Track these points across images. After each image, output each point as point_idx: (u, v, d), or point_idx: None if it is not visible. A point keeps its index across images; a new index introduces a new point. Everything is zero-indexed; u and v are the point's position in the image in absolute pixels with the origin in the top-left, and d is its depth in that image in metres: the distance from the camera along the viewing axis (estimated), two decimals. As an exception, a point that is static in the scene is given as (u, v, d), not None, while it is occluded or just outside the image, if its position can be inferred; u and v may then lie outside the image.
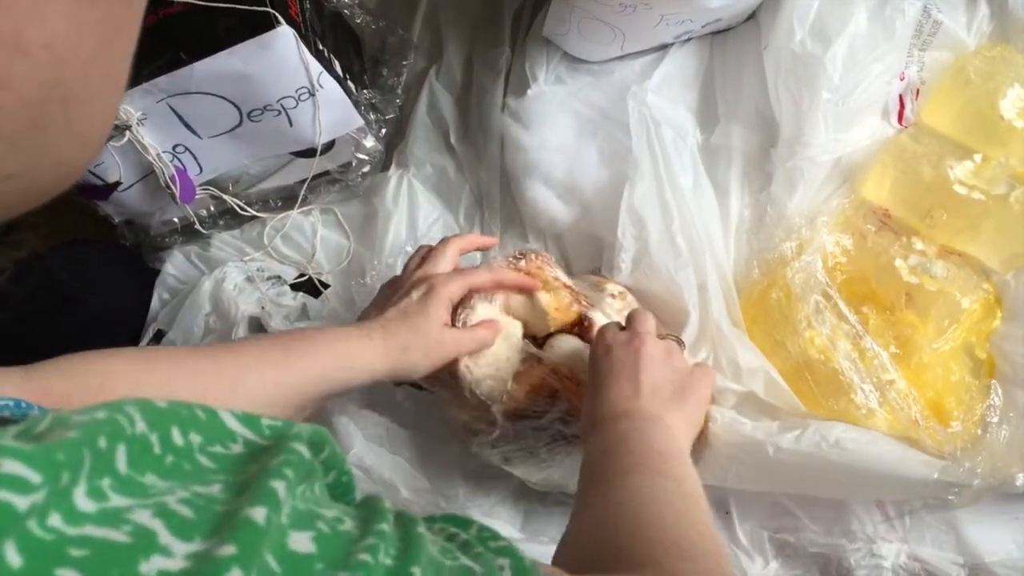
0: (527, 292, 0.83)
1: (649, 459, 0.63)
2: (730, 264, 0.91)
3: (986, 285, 0.85)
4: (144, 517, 0.28)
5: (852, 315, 0.84)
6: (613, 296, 0.86)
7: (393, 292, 0.80)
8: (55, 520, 0.26)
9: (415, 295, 0.77)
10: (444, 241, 0.84)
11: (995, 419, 0.81)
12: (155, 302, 1.02)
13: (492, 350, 0.81)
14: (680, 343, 0.81)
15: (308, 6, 0.90)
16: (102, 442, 0.29)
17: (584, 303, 0.84)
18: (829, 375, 0.82)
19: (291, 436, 0.36)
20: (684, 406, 0.71)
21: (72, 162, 0.30)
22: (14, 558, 0.24)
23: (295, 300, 1.00)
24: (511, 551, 0.39)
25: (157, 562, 0.26)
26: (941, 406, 0.82)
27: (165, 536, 0.27)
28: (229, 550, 0.27)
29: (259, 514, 0.30)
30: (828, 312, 0.84)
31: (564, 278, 0.86)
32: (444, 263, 0.81)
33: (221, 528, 0.29)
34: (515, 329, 0.84)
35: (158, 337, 0.97)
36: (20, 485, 0.25)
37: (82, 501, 0.27)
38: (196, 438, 0.34)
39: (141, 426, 0.31)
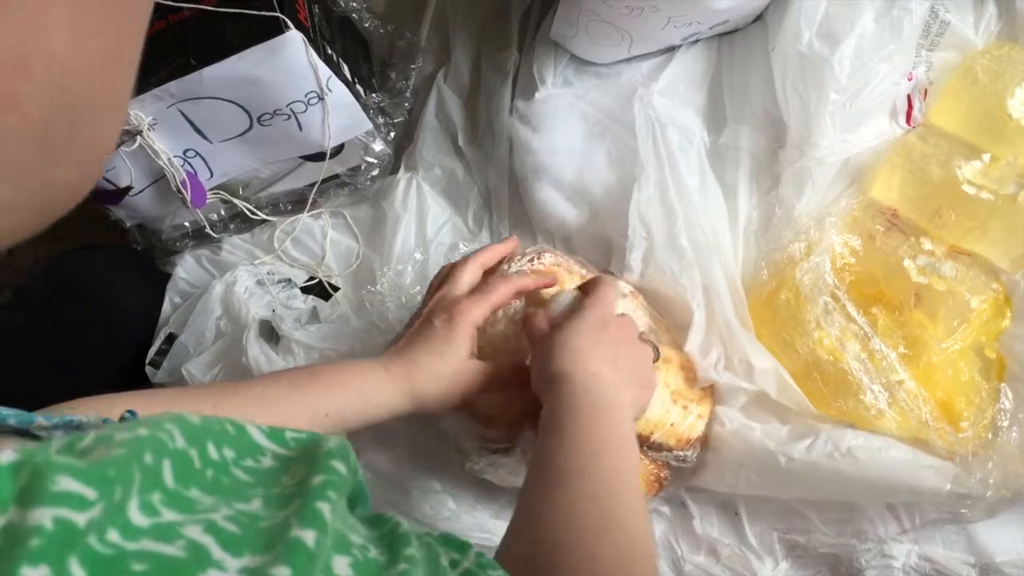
0: (547, 288, 0.83)
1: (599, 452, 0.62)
2: (738, 265, 0.91)
3: (995, 285, 0.85)
4: (195, 532, 0.29)
5: (861, 316, 0.84)
6: (624, 296, 0.86)
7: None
8: (113, 535, 0.26)
9: (437, 323, 0.74)
10: (464, 260, 0.81)
11: (1006, 423, 0.81)
12: (166, 305, 1.02)
13: None
14: (655, 350, 0.81)
15: (317, 11, 0.91)
16: (148, 458, 0.30)
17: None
18: (838, 376, 0.82)
19: (325, 452, 0.37)
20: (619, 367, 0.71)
21: (76, 182, 0.29)
22: (79, 573, 0.24)
23: (306, 303, 1.00)
24: None
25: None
26: (951, 406, 0.82)
27: (217, 551, 0.28)
28: (284, 572, 0.28)
29: (309, 537, 0.30)
30: (837, 313, 0.84)
31: (580, 269, 0.87)
32: (464, 282, 0.78)
33: (271, 545, 0.29)
34: None
35: (170, 340, 0.98)
36: (77, 502, 0.26)
37: (136, 516, 0.28)
38: (229, 453, 0.35)
39: (181, 442, 0.32)
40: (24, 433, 0.42)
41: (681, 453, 0.82)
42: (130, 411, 0.46)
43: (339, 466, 0.36)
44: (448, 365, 0.72)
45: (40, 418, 0.42)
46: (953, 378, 0.82)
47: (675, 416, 0.81)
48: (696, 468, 0.86)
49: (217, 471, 0.33)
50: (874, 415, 0.80)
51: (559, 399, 0.65)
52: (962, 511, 0.77)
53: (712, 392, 0.85)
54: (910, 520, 0.82)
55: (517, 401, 0.80)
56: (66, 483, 0.25)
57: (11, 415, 0.41)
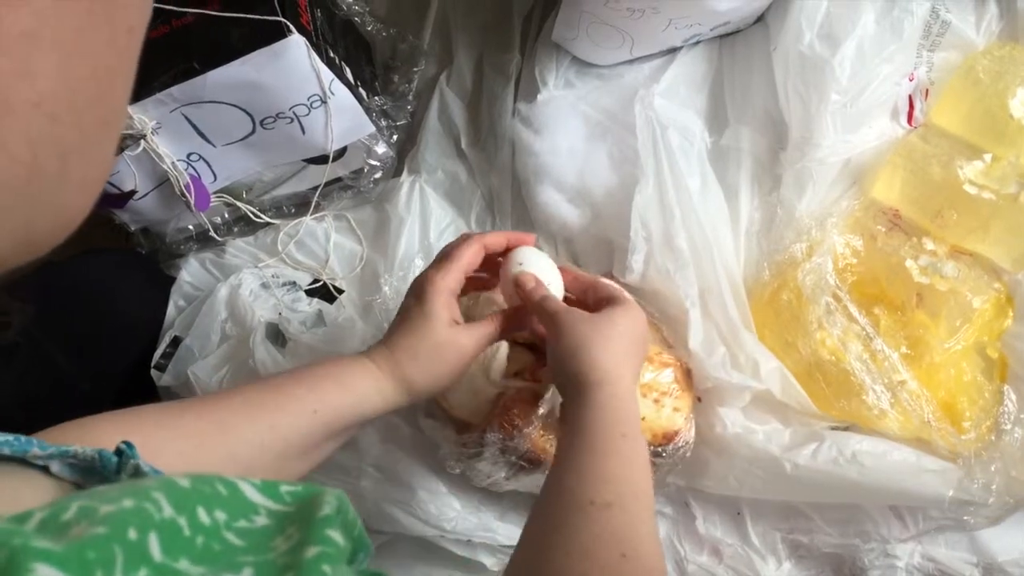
0: (521, 245, 0.78)
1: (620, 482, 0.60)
2: (740, 266, 0.91)
3: (997, 285, 0.85)
4: None
5: (863, 316, 0.84)
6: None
7: None
8: None
9: (411, 301, 0.72)
10: (459, 238, 0.77)
11: (1009, 425, 0.81)
12: (171, 309, 1.03)
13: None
14: None
15: (319, 14, 0.91)
16: (132, 533, 0.29)
17: None
18: (840, 376, 0.82)
19: (322, 519, 0.35)
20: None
21: (71, 210, 0.29)
22: None
23: (310, 306, 1.01)
24: None
25: None
26: (953, 406, 0.82)
27: None
28: None
29: None
30: (839, 313, 0.84)
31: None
32: (443, 256, 0.74)
33: None
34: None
35: (175, 343, 0.98)
36: None
37: None
38: (221, 515, 0.34)
39: (168, 510, 0.31)
40: (21, 460, 0.41)
41: (661, 448, 0.82)
42: (126, 443, 0.44)
43: (335, 535, 0.35)
44: (425, 339, 0.69)
45: (36, 447, 0.41)
46: (955, 378, 0.82)
47: (646, 410, 0.81)
48: (699, 470, 0.86)
49: (208, 537, 0.32)
50: (876, 415, 0.81)
51: (595, 410, 0.63)
52: (965, 518, 0.77)
53: (690, 385, 0.85)
54: (913, 521, 0.83)
55: (487, 406, 0.81)
56: (43, 571, 0.25)
57: (6, 443, 0.40)
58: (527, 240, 0.78)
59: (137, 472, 0.42)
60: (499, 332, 0.74)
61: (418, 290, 0.71)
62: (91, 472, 0.43)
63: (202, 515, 0.33)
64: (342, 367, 0.68)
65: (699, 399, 0.86)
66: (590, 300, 0.76)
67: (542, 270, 0.75)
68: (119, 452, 0.43)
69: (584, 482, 0.59)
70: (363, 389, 0.67)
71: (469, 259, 0.73)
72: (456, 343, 0.70)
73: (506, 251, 0.77)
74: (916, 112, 0.92)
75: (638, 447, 0.63)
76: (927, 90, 0.93)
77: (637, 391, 0.69)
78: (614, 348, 0.67)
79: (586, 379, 0.65)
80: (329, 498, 0.37)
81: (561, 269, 0.78)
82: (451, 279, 0.72)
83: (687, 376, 0.85)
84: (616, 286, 0.76)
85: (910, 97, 0.92)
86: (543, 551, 0.55)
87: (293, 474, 0.66)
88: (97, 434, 0.55)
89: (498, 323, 0.74)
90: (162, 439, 0.58)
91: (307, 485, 0.38)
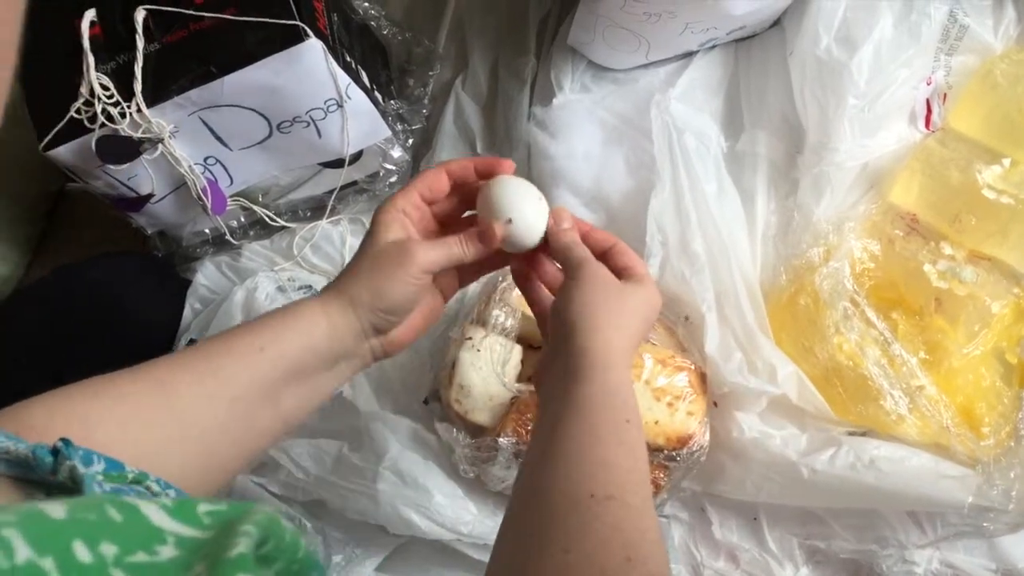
0: (491, 173, 0.68)
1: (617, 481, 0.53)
2: (757, 270, 0.91)
3: (1016, 289, 0.84)
4: None
5: (880, 321, 0.84)
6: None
7: None
8: None
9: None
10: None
11: (1027, 430, 0.80)
12: (187, 312, 1.03)
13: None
14: None
15: (336, 19, 0.91)
16: None
17: None
18: (858, 381, 0.82)
19: (234, 561, 0.30)
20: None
21: None
22: None
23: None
24: None
25: None
26: (972, 412, 0.81)
27: None
28: None
29: None
30: (856, 318, 0.84)
31: None
32: (410, 185, 0.67)
33: None
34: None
35: (191, 346, 0.98)
36: None
37: None
38: (110, 548, 0.28)
39: (25, 553, 0.25)
40: None
41: (675, 452, 0.82)
42: (64, 440, 0.40)
43: None
44: (367, 252, 0.63)
45: None
46: (974, 383, 0.82)
47: (660, 414, 0.81)
48: (716, 475, 0.86)
49: None
50: (894, 421, 0.80)
51: (601, 391, 0.57)
52: (984, 524, 0.77)
53: (704, 389, 0.85)
54: (932, 527, 0.82)
55: (501, 410, 0.80)
56: None
57: None
58: (502, 167, 0.68)
59: (73, 477, 0.38)
60: (465, 253, 0.65)
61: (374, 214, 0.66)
62: (29, 467, 0.40)
63: (80, 552, 0.27)
64: (289, 305, 0.63)
65: (715, 404, 0.86)
66: (604, 262, 0.66)
67: (526, 203, 0.65)
68: (55, 451, 0.39)
69: (583, 471, 0.52)
70: (308, 316, 0.61)
71: (428, 181, 0.66)
72: (400, 251, 0.62)
73: (483, 179, 0.68)
74: (934, 116, 0.91)
75: (640, 436, 0.57)
76: (945, 94, 0.92)
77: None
78: (629, 326, 0.61)
79: (595, 354, 0.58)
80: (249, 526, 0.31)
81: (577, 221, 0.69)
82: (401, 197, 0.65)
83: (701, 380, 0.85)
84: (638, 257, 0.68)
85: (928, 101, 0.92)
86: (535, 549, 0.49)
87: (256, 425, 0.59)
88: (27, 419, 0.50)
89: (464, 245, 0.65)
90: (100, 411, 0.52)
91: (233, 504, 0.33)
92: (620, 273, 0.65)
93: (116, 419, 0.52)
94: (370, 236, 0.64)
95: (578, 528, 0.49)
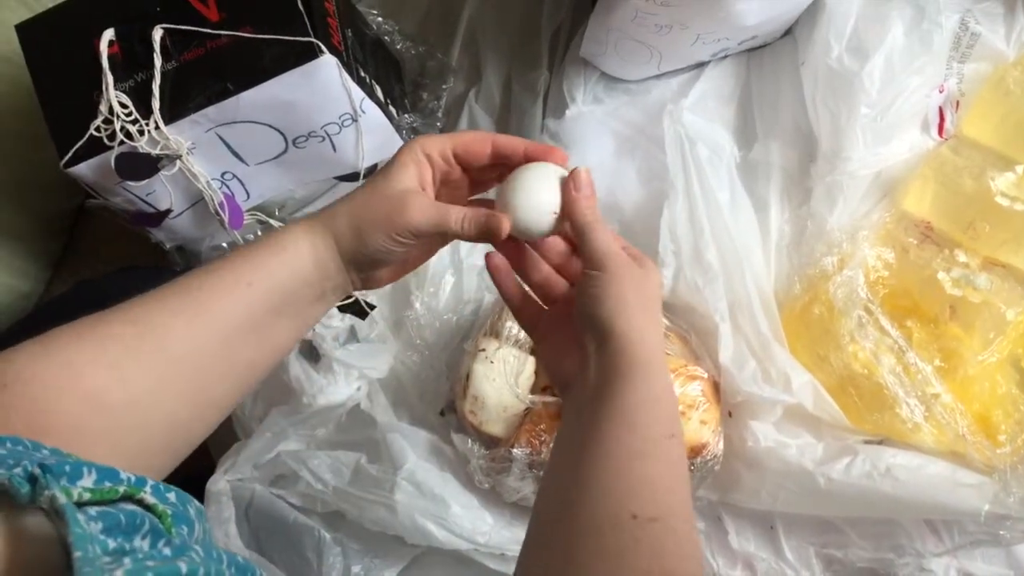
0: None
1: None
2: (771, 279, 0.91)
3: (1031, 296, 0.84)
4: None
5: (895, 329, 0.83)
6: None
7: None
8: None
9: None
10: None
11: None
12: (205, 325, 1.04)
13: None
14: None
15: (350, 34, 0.92)
16: None
17: None
18: (873, 390, 0.82)
19: None
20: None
21: None
22: None
23: (343, 322, 1.01)
24: None
25: None
26: (988, 419, 0.81)
27: None
28: None
29: None
30: (871, 326, 0.84)
31: None
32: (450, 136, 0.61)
33: None
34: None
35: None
36: None
37: None
38: None
39: None
40: None
41: (689, 462, 0.82)
42: (43, 467, 0.36)
43: None
44: (365, 188, 0.59)
45: None
46: (990, 391, 0.82)
47: None
48: (732, 484, 0.86)
49: None
50: (910, 429, 0.80)
51: (645, 398, 0.52)
52: (1001, 532, 0.77)
53: (717, 398, 0.85)
54: (949, 535, 0.82)
55: (515, 421, 0.80)
56: None
57: None
58: (554, 156, 0.62)
59: (55, 508, 0.34)
60: (462, 232, 0.59)
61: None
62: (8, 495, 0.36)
63: None
64: (274, 234, 0.59)
65: (730, 413, 0.86)
66: None
67: (543, 186, 0.60)
68: (32, 478, 0.36)
69: (623, 488, 0.48)
70: (294, 246, 0.57)
71: (468, 141, 0.61)
72: (397, 202, 0.57)
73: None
74: (947, 124, 0.91)
75: (683, 453, 0.53)
76: (957, 102, 0.92)
77: None
78: (656, 317, 0.57)
79: (635, 355, 0.53)
80: None
81: None
82: (432, 143, 0.60)
83: (715, 389, 0.85)
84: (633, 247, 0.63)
85: (940, 109, 0.92)
86: (565, 568, 0.46)
87: (247, 358, 0.57)
88: (11, 371, 0.48)
89: (465, 224, 0.59)
90: (87, 356, 0.50)
91: None
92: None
93: (105, 363, 0.50)
94: (384, 169, 0.59)
95: (616, 553, 0.46)
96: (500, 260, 0.65)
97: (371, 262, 0.60)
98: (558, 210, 0.60)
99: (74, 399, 0.48)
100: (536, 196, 0.59)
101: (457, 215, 0.58)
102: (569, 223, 0.60)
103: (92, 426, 0.48)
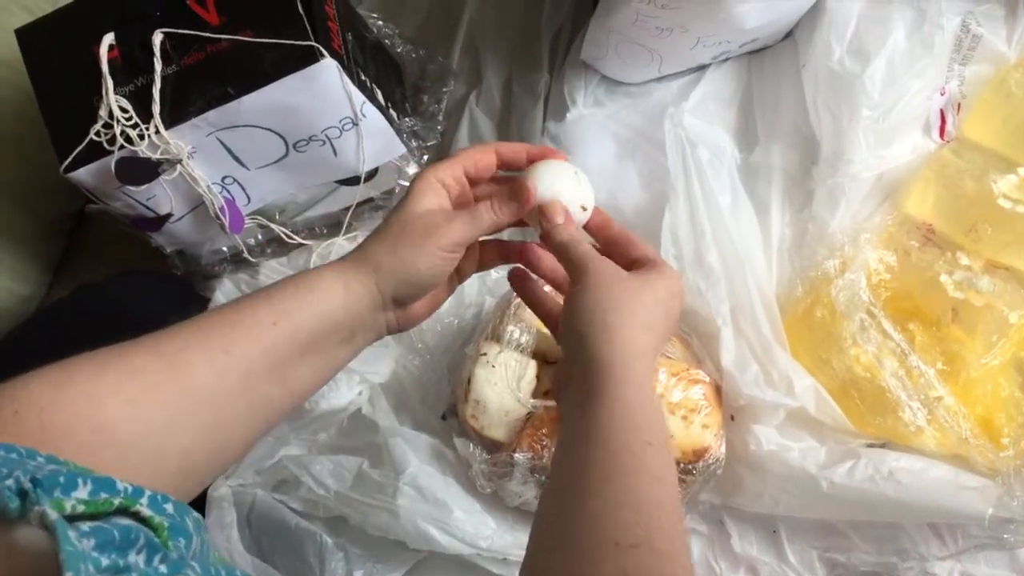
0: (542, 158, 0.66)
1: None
2: (772, 282, 0.91)
3: (1034, 299, 0.84)
4: None
5: (897, 332, 0.83)
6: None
7: None
8: None
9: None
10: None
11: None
12: (206, 329, 1.04)
13: None
14: None
15: (350, 38, 0.92)
16: None
17: None
18: (876, 393, 0.82)
19: None
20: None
21: None
22: None
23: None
24: None
25: None
26: (991, 422, 0.81)
27: None
28: None
29: None
30: (873, 329, 0.84)
31: None
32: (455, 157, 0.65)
33: None
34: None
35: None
36: None
37: None
38: None
39: None
40: None
41: (691, 466, 0.82)
42: (34, 480, 0.35)
43: None
44: (397, 217, 0.61)
45: None
46: (993, 394, 0.82)
47: (675, 427, 0.81)
48: (734, 488, 0.86)
49: None
50: (913, 432, 0.80)
51: (616, 410, 0.52)
52: (1005, 536, 0.76)
53: (719, 402, 0.85)
54: (952, 539, 0.82)
55: (517, 425, 0.80)
56: None
57: None
58: (556, 156, 0.66)
59: (45, 524, 0.33)
60: (497, 217, 0.63)
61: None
62: None
63: None
64: (304, 274, 0.60)
65: (732, 417, 0.86)
66: (617, 257, 0.63)
67: (571, 191, 0.64)
68: (22, 493, 0.35)
69: (603, 513, 0.48)
70: (324, 287, 0.59)
71: (473, 157, 0.65)
72: (432, 222, 0.60)
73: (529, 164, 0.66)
74: (948, 126, 0.91)
75: (667, 457, 0.52)
76: (959, 104, 0.92)
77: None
78: (646, 322, 0.57)
79: (608, 367, 0.54)
80: None
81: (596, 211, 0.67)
82: (443, 169, 0.63)
83: (717, 393, 0.85)
84: (648, 244, 0.65)
85: (942, 111, 0.92)
86: None
87: (267, 400, 0.57)
88: (27, 396, 0.47)
89: (495, 209, 0.63)
90: (107, 387, 0.50)
91: None
92: (636, 264, 0.62)
93: (124, 396, 0.50)
94: (402, 202, 0.61)
95: None
96: (519, 270, 0.68)
97: (416, 288, 0.62)
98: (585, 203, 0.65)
99: (87, 430, 0.48)
100: (558, 191, 0.63)
101: (485, 206, 0.62)
102: (549, 247, 0.63)
103: (102, 458, 0.47)
